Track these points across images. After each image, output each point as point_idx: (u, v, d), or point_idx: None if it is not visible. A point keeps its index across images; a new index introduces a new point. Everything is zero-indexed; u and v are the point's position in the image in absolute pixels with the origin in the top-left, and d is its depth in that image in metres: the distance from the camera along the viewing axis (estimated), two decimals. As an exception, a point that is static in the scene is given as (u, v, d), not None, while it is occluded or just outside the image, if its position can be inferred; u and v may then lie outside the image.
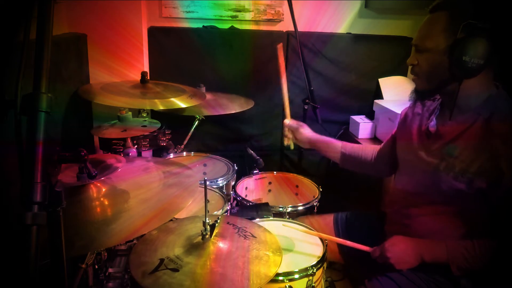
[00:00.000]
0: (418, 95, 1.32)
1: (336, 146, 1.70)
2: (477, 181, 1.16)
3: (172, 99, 1.76)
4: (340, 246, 1.51)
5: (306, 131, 1.73)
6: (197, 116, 2.11)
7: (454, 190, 1.20)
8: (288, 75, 2.48)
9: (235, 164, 1.99)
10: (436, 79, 1.23)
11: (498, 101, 1.20)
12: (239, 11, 2.44)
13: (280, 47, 1.81)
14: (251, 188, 1.98)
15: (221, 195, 1.73)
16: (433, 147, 1.29)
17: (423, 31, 1.23)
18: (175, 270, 1.03)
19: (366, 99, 2.54)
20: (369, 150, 1.66)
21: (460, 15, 1.12)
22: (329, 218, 1.63)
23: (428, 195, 1.28)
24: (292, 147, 1.77)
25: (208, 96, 2.06)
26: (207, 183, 1.15)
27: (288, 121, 1.78)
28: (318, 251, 1.31)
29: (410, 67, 1.31)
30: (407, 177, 1.39)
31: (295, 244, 1.36)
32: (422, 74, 1.25)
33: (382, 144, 1.64)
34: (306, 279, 1.18)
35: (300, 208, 1.69)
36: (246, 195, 1.93)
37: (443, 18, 1.17)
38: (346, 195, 2.22)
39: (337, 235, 1.53)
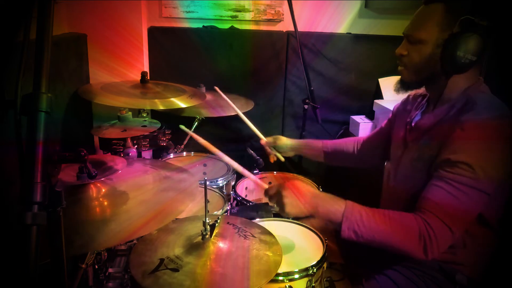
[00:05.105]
0: (404, 86, 1.31)
1: (317, 146, 1.73)
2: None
3: (172, 99, 1.76)
4: (340, 246, 1.50)
5: (284, 140, 1.75)
6: (197, 117, 2.11)
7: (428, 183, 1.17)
8: (288, 75, 2.50)
9: (235, 164, 1.98)
10: (424, 71, 1.22)
11: (473, 92, 1.18)
12: (239, 11, 2.44)
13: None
14: (251, 188, 1.98)
15: (221, 195, 1.73)
16: (411, 139, 1.30)
17: (417, 22, 1.22)
18: (175, 270, 1.03)
19: (366, 99, 2.53)
20: (350, 143, 1.69)
21: (457, 10, 1.12)
22: None
23: (410, 189, 1.26)
24: (282, 158, 1.78)
25: (208, 96, 2.06)
26: (207, 183, 1.14)
27: (263, 140, 1.80)
28: (318, 251, 1.31)
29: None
30: (393, 172, 1.39)
31: (295, 244, 1.36)
32: (411, 66, 1.25)
33: (369, 135, 1.65)
34: (306, 279, 1.18)
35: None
36: (246, 195, 1.93)
37: (439, 10, 1.16)
38: (346, 195, 2.22)
39: (335, 238, 1.52)
